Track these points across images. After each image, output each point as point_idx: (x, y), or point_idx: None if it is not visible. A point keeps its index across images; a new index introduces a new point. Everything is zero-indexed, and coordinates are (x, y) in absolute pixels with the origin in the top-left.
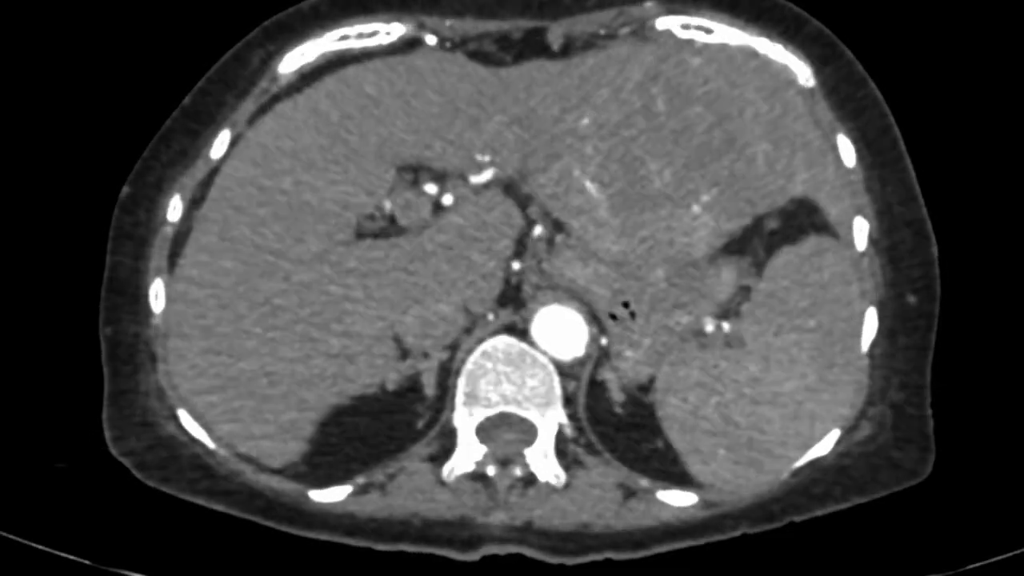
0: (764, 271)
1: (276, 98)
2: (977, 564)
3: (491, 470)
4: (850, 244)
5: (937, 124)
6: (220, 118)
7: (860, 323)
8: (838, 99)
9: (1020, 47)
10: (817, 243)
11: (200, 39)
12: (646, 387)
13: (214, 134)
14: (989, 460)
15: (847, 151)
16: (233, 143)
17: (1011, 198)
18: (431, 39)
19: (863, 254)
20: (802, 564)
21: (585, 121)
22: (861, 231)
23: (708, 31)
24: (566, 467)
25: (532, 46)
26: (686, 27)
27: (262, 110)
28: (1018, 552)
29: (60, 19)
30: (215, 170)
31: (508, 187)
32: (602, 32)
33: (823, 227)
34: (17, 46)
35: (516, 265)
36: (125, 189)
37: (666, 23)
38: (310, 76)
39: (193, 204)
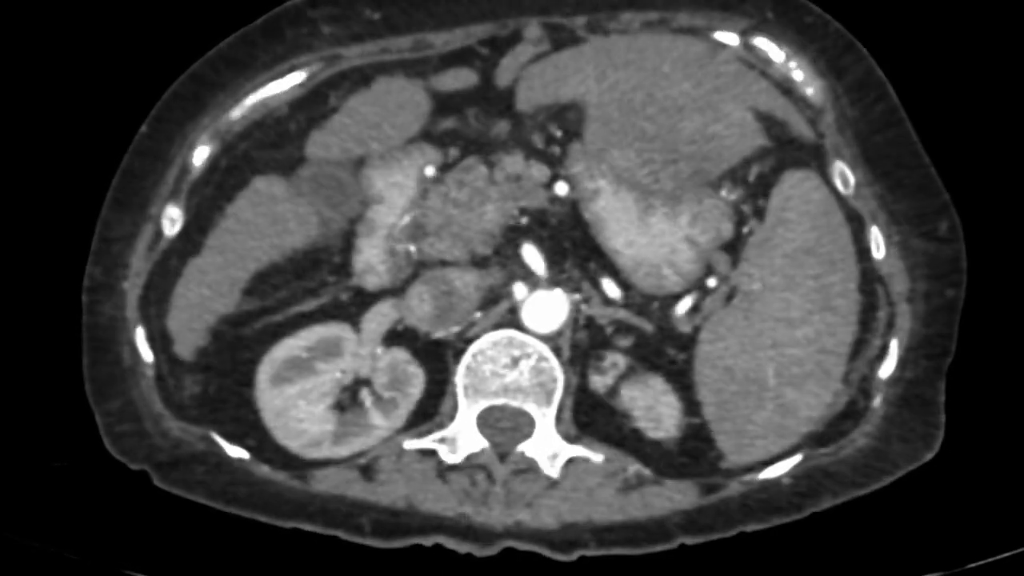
0: (765, 216)
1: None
2: (977, 563)
3: (490, 462)
4: (832, 184)
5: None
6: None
7: (854, 271)
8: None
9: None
10: (801, 181)
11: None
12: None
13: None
14: (989, 459)
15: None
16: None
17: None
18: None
19: (851, 197)
20: (802, 563)
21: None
22: (843, 174)
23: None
24: (566, 459)
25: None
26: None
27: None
28: (1018, 552)
29: None
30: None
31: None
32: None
33: (803, 164)
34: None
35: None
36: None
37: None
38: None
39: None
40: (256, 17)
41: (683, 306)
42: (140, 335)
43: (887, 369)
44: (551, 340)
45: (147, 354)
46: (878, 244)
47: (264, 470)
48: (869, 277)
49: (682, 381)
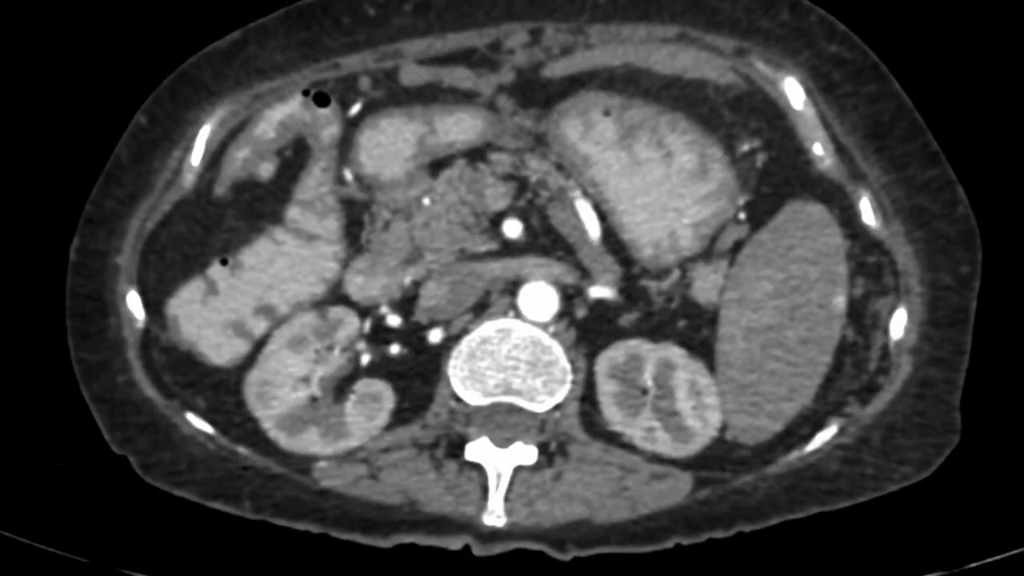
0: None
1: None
2: (977, 563)
3: (490, 460)
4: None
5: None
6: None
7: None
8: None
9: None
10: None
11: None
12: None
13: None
14: (989, 459)
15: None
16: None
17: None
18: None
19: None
20: (802, 563)
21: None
22: (820, 150)
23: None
24: (566, 456)
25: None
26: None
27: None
28: (1018, 552)
29: None
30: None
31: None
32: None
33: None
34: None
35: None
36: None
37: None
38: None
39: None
40: (256, 16)
41: (688, 284)
42: (131, 306)
43: (892, 360)
44: (553, 331)
45: (139, 320)
46: (876, 223)
47: (258, 462)
48: (867, 258)
49: (697, 363)
